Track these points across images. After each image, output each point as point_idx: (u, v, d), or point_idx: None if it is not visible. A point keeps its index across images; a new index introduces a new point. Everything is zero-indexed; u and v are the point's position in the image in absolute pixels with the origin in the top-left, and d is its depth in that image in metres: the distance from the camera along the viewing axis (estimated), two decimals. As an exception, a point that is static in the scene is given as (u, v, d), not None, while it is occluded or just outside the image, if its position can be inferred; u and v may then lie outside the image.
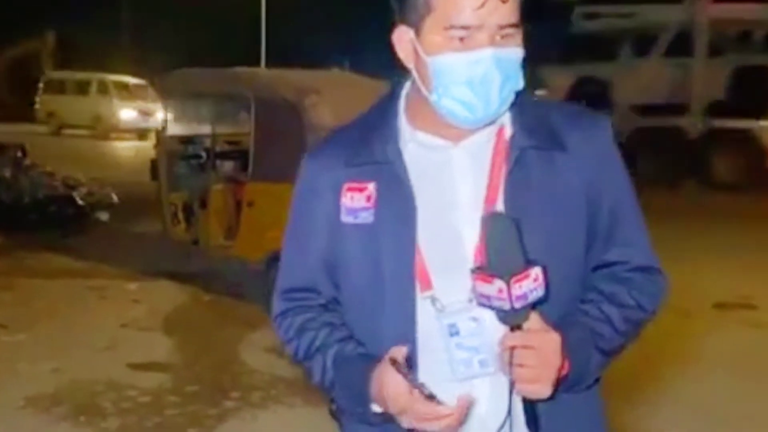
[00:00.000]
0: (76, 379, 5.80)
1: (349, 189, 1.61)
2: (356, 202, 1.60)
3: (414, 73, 1.58)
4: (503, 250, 1.43)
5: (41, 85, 28.69)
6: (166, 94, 9.57)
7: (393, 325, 1.57)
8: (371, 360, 1.54)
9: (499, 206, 1.55)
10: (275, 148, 7.60)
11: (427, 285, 1.57)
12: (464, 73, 1.50)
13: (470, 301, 1.53)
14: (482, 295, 1.46)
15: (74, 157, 18.39)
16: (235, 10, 29.91)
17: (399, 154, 1.59)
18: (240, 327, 7.07)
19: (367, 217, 1.59)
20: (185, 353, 6.54)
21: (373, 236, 1.58)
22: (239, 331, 6.96)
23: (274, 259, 7.58)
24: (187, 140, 9.21)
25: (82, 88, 28.00)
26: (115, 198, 11.31)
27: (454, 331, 1.56)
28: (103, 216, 11.05)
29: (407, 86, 1.65)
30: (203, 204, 8.44)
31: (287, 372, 5.86)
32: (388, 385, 1.48)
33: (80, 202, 10.92)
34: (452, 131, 1.58)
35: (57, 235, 10.29)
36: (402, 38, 1.57)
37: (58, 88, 28.32)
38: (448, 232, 1.58)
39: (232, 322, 7.25)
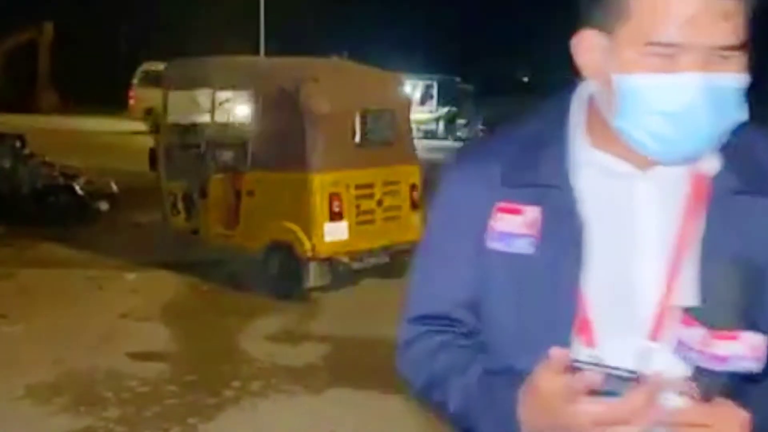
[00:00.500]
0: (75, 369, 5.81)
1: (501, 210, 1.34)
2: (509, 226, 1.34)
3: (596, 86, 1.32)
4: (719, 298, 1.18)
5: (135, 79, 25.23)
6: (166, 84, 9.53)
7: None
8: (525, 377, 1.25)
9: (692, 254, 1.29)
10: (275, 136, 7.59)
11: (589, 342, 1.29)
12: (660, 101, 1.22)
13: (638, 369, 1.25)
14: (681, 342, 1.20)
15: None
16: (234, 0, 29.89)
17: (571, 177, 1.32)
18: (239, 316, 7.07)
19: (522, 247, 1.32)
20: (184, 343, 6.54)
21: (527, 272, 1.32)
22: (238, 321, 6.96)
23: (273, 248, 7.64)
24: (186, 129, 9.19)
25: None
26: (114, 188, 11.30)
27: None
28: (103, 206, 11.04)
29: (582, 93, 1.37)
30: (203, 193, 8.43)
31: (287, 361, 5.86)
32: (544, 387, 1.18)
33: (79, 192, 10.91)
34: (639, 156, 1.30)
35: (56, 225, 10.28)
36: (585, 43, 1.29)
37: (157, 81, 25.25)
38: (623, 280, 1.31)
39: (232, 311, 7.25)
